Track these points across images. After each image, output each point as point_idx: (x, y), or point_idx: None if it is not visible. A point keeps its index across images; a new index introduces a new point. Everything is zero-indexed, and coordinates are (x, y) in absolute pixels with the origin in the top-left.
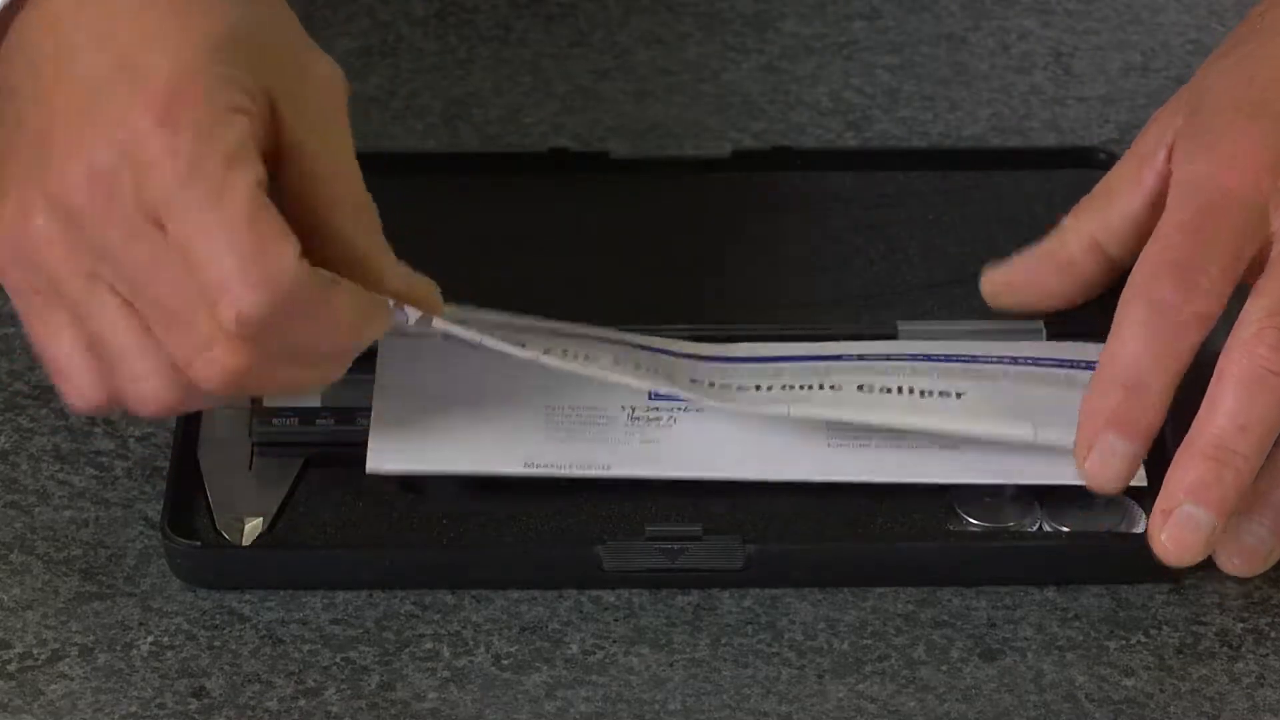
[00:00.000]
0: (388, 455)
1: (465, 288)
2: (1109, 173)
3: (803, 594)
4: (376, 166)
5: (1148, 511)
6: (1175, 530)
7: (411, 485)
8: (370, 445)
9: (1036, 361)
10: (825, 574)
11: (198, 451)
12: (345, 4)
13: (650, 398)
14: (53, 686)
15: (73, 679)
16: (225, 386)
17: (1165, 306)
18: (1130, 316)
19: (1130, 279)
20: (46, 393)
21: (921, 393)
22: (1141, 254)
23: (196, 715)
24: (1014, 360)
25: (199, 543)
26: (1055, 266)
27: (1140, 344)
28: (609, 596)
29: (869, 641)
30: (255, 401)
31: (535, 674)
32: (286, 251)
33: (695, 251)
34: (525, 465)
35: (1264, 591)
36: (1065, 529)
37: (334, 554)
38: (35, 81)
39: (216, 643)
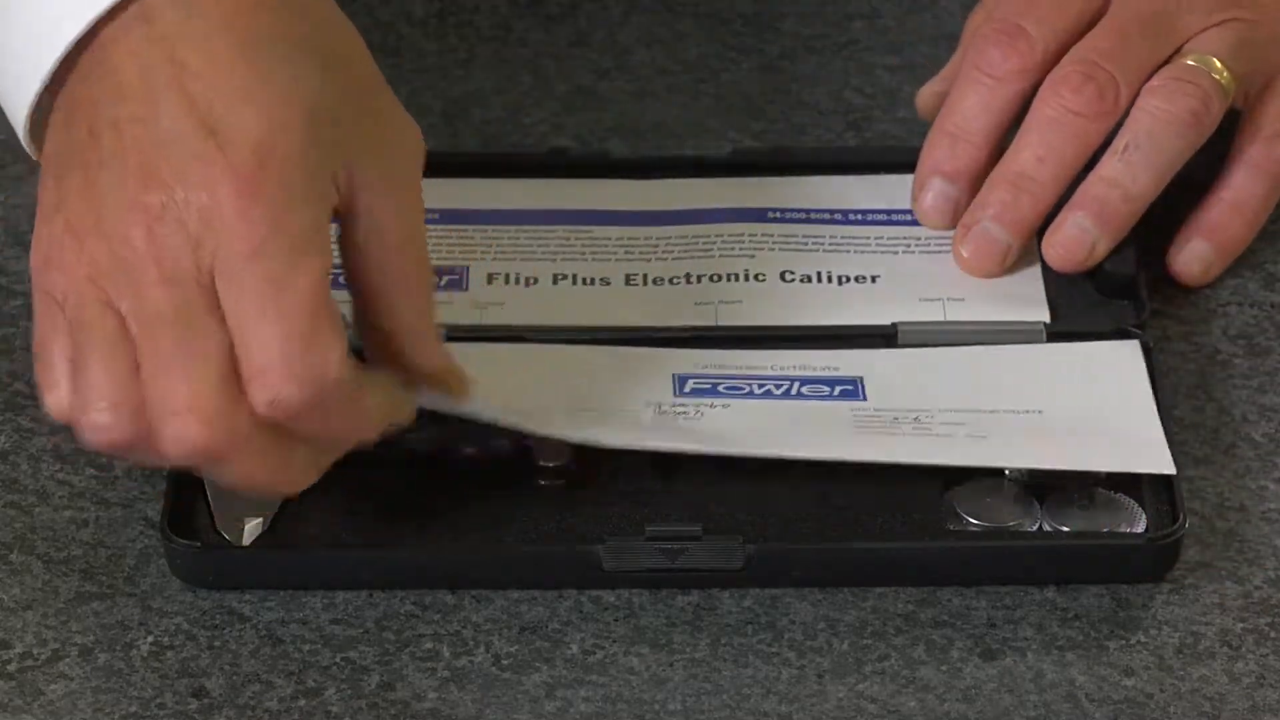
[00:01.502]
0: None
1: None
2: None
3: (803, 594)
4: None
5: (1149, 512)
6: (974, 243)
7: (412, 485)
8: None
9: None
10: (825, 574)
11: None
12: (345, 4)
13: (676, 394)
14: (53, 686)
15: (73, 679)
16: (188, 454)
17: (988, 65)
18: (962, 78)
19: (966, 50)
20: None
21: (840, 279)
22: (976, 30)
23: (196, 715)
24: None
25: (199, 543)
26: None
27: (967, 100)
28: (609, 596)
29: (869, 641)
30: None
31: (535, 674)
32: (335, 353)
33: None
34: (562, 436)
35: (1264, 591)
36: (1065, 529)
37: (334, 554)
38: (117, 106)
39: (216, 643)
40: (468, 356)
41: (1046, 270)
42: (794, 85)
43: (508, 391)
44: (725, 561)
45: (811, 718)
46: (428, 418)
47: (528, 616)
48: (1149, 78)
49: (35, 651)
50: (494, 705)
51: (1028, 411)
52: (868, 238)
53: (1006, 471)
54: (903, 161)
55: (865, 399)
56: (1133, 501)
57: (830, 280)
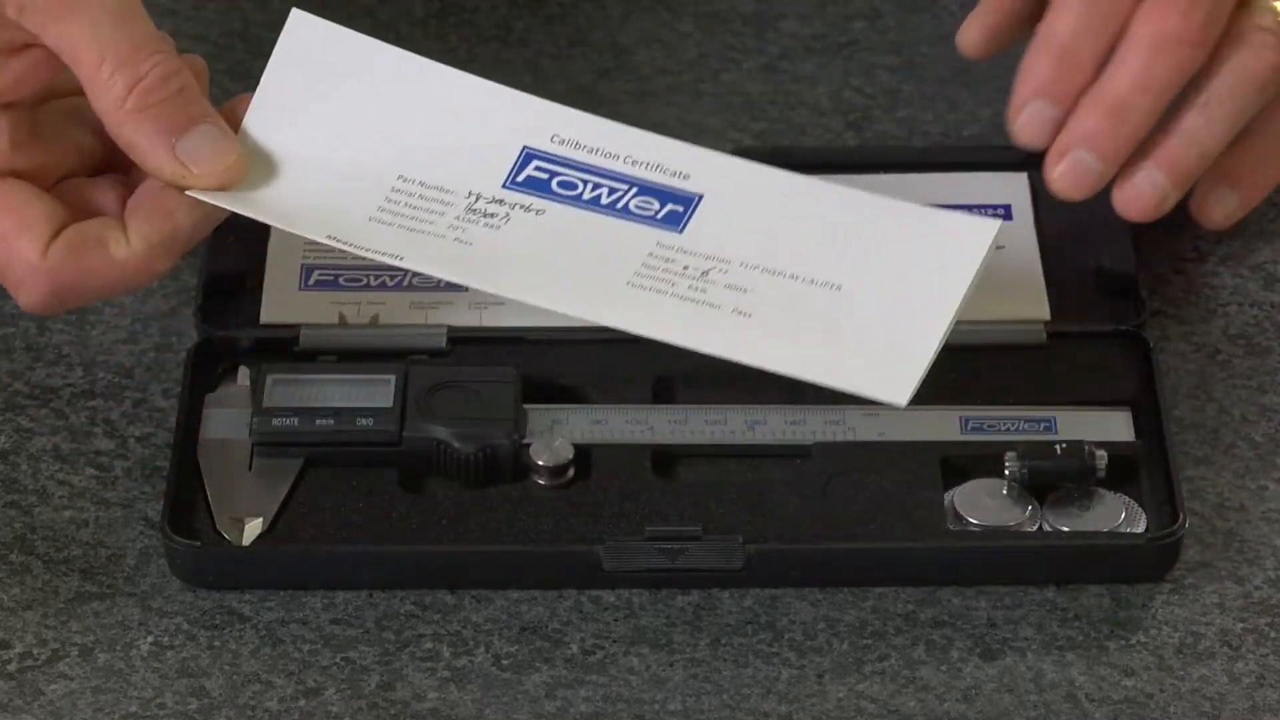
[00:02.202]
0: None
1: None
2: None
3: (803, 594)
4: None
5: (1149, 512)
6: (1068, 170)
7: (412, 485)
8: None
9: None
10: (825, 574)
11: (198, 451)
12: (345, 4)
13: (506, 182)
14: (53, 686)
15: (73, 679)
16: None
17: None
18: None
19: None
20: (46, 393)
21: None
22: None
23: (196, 715)
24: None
25: (199, 543)
26: None
27: (1073, 17)
28: (609, 596)
29: (869, 641)
30: (255, 402)
31: (535, 674)
32: (29, 250)
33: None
34: (327, 236)
35: (1264, 592)
36: (1065, 529)
37: (334, 554)
38: None
39: (216, 643)
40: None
41: (1047, 270)
42: (794, 85)
43: (332, 142)
44: (725, 561)
45: (811, 718)
46: (425, 419)
47: (528, 616)
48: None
49: (35, 651)
50: (494, 705)
51: (827, 285)
52: None
53: (1006, 471)
54: (903, 161)
55: (682, 230)
56: (1133, 501)
57: None
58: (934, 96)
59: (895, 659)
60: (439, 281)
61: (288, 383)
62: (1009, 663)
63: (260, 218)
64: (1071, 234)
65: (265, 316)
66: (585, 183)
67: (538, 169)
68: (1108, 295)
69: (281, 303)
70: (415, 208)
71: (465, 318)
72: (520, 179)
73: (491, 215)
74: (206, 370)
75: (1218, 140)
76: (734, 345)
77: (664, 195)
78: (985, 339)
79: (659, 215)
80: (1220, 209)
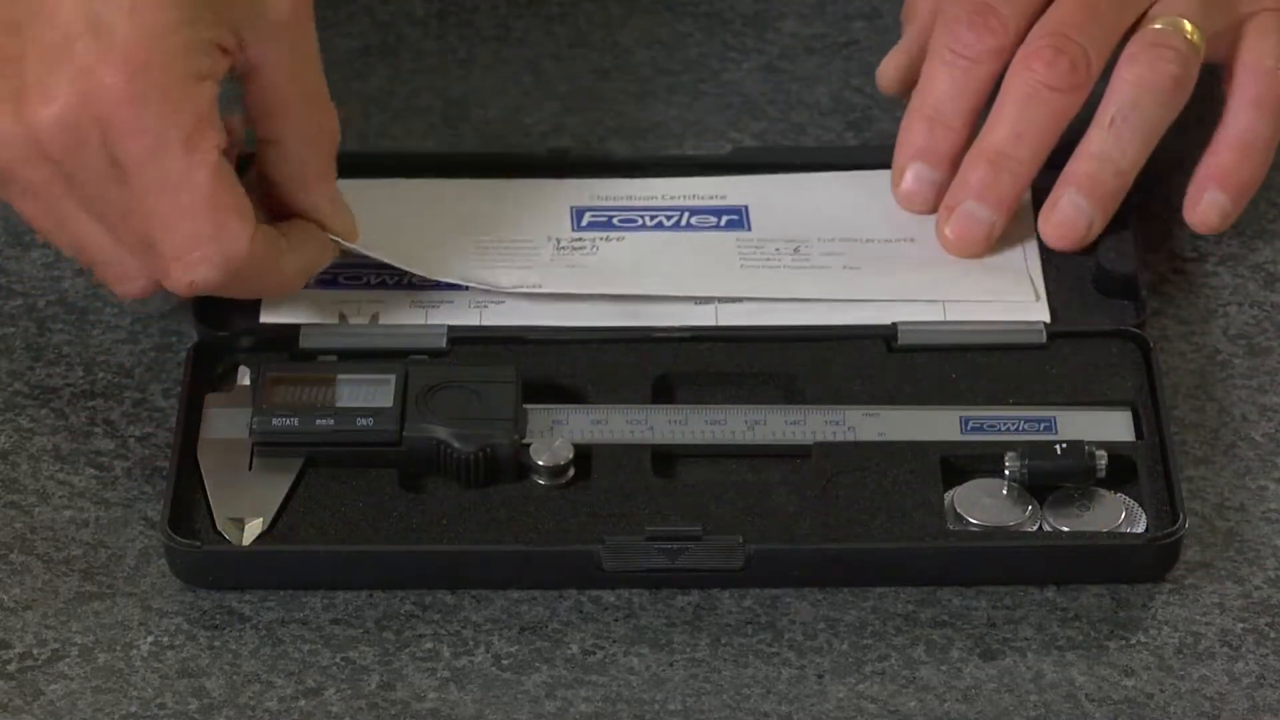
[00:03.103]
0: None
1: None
2: None
3: (803, 594)
4: (377, 167)
5: (1149, 512)
6: (958, 224)
7: (412, 485)
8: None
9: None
10: (825, 574)
11: (198, 451)
12: (345, 4)
13: (574, 229)
14: (53, 686)
15: (73, 679)
16: (195, 293)
17: (961, 46)
18: (933, 60)
19: (934, 31)
20: (46, 393)
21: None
22: (942, 10)
23: (196, 715)
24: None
25: (199, 543)
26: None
27: (941, 82)
28: (609, 596)
29: (869, 641)
30: (255, 402)
31: (535, 674)
32: (242, 232)
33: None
34: (461, 278)
35: (1264, 592)
36: (1065, 529)
37: (334, 554)
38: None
39: (216, 643)
40: (366, 191)
41: (1047, 270)
42: (794, 85)
43: (409, 230)
44: (725, 561)
45: (811, 718)
46: (427, 418)
47: (528, 616)
48: (1120, 45)
49: (35, 651)
50: (494, 705)
51: (902, 239)
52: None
53: (1006, 471)
54: None
55: (750, 229)
56: (1133, 501)
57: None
58: None
59: (895, 659)
60: (439, 281)
61: (288, 382)
62: (1009, 663)
63: (400, 265)
64: None
65: (265, 316)
66: (642, 216)
67: (594, 217)
68: (1108, 295)
69: (281, 302)
70: (510, 254)
71: (465, 317)
72: (584, 224)
73: (580, 249)
74: (206, 370)
75: (1131, 157)
76: (868, 289)
77: (714, 211)
78: (985, 339)
79: (722, 225)
80: (1213, 211)
